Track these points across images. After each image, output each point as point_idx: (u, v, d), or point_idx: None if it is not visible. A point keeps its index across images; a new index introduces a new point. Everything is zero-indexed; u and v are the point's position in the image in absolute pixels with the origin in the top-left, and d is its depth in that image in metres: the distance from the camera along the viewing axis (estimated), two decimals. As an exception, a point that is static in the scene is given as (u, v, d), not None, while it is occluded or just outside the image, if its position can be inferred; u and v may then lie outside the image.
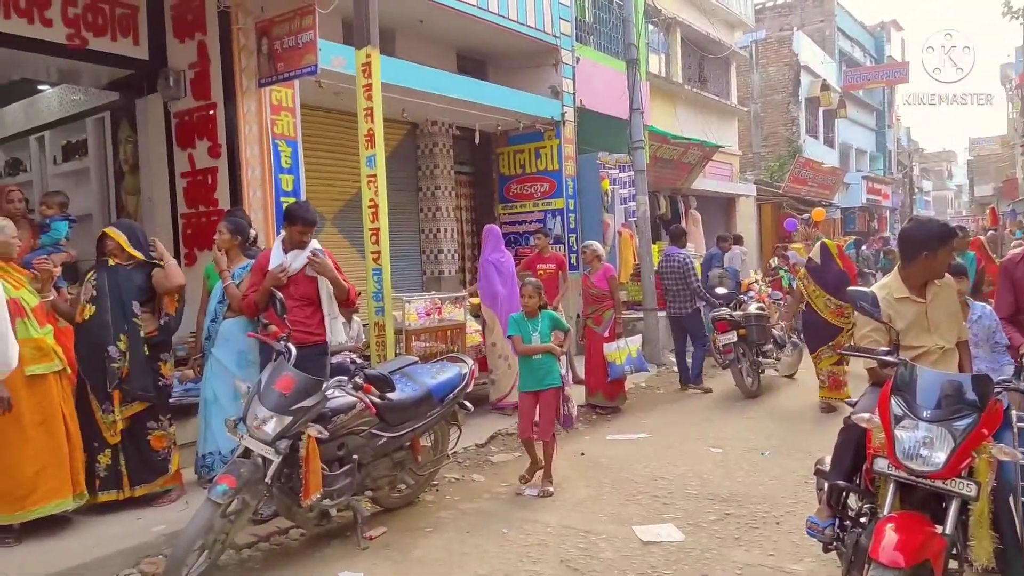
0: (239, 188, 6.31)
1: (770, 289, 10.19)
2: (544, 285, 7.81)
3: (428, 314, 6.85)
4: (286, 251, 4.68)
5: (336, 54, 6.71)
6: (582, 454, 6.06)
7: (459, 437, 5.14)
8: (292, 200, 6.24)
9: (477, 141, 9.84)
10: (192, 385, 5.33)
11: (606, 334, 7.44)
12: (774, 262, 12.92)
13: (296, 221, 4.67)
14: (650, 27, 14.26)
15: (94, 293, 4.51)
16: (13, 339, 2.82)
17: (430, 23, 8.90)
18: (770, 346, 8.46)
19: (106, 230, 4.71)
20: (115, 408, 4.45)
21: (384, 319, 5.88)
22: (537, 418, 5.15)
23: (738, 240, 12.53)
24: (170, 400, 4.85)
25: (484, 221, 11.00)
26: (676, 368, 9.07)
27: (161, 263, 4.68)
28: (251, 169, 6.34)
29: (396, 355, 5.94)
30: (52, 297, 4.42)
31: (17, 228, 5.12)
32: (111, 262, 4.60)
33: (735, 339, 8.00)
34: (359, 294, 6.03)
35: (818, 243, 7.29)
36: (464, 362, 5.12)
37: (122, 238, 4.62)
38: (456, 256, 10.36)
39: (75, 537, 4.21)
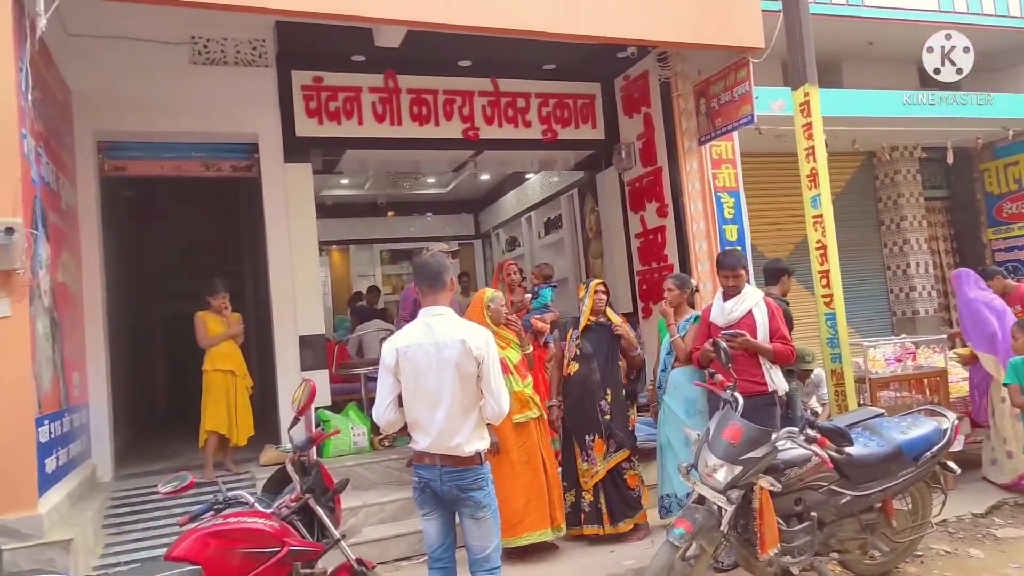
0: (685, 243, 6.64)
1: None
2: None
3: (898, 360, 6.08)
4: (725, 300, 4.74)
5: (774, 98, 6.63)
6: None
7: (944, 503, 4.39)
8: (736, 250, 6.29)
9: (950, 161, 8.53)
10: (650, 430, 5.68)
11: None
12: None
13: (720, 268, 4.80)
14: None
15: (578, 351, 5.16)
16: (506, 392, 3.41)
17: (881, 43, 8.14)
18: None
19: (596, 282, 5.32)
20: (599, 458, 4.97)
21: (842, 367, 5.44)
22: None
23: None
24: (636, 444, 5.24)
25: (967, 250, 9.44)
26: None
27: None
28: (696, 224, 6.62)
29: (859, 406, 5.42)
30: (529, 350, 5.15)
31: (515, 295, 6.31)
32: (600, 320, 5.19)
33: None
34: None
35: None
36: (943, 416, 4.39)
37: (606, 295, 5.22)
38: (934, 293, 9.04)
39: (560, 563, 4.80)
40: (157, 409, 11.20)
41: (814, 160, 5.53)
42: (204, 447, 5.89)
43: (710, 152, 6.68)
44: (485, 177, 10.64)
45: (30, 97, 4.22)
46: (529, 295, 6.23)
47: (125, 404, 7.36)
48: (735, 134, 6.63)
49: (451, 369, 3.21)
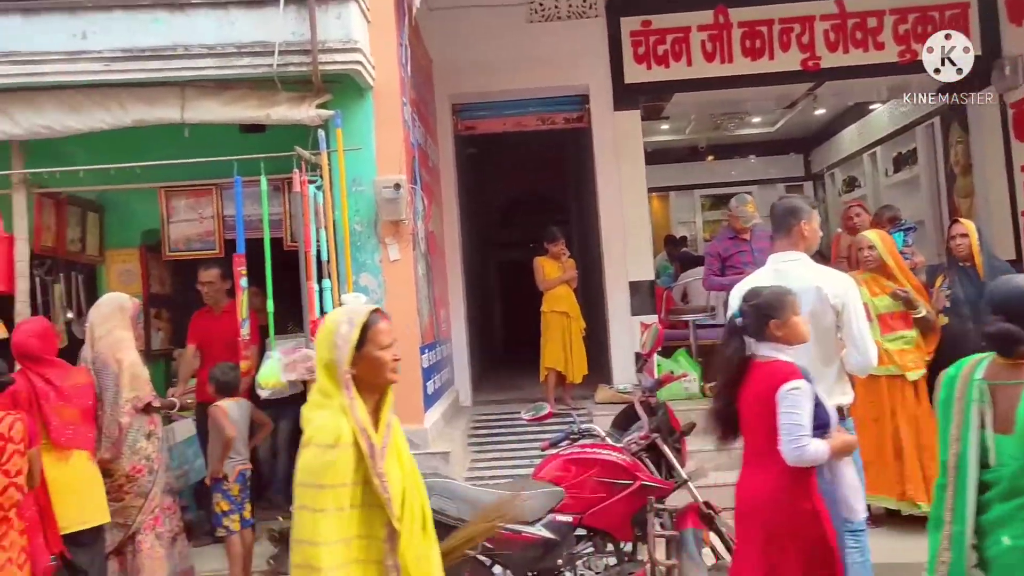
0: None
1: None
2: None
3: None
4: None
5: None
6: None
7: None
8: None
9: None
10: None
11: None
12: None
13: None
14: None
15: (947, 304, 4.52)
16: (873, 343, 3.10)
17: None
18: None
19: (962, 221, 4.63)
20: None
21: None
22: None
23: None
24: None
25: None
26: None
27: None
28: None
29: None
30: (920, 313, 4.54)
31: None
32: (962, 264, 4.51)
33: None
34: None
35: None
36: None
37: (975, 234, 4.46)
38: None
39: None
40: (496, 346, 12.46)
41: None
42: (544, 382, 6.38)
43: None
44: (820, 112, 9.71)
45: (408, 69, 4.83)
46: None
47: (475, 340, 8.28)
48: None
49: (805, 319, 3.00)
